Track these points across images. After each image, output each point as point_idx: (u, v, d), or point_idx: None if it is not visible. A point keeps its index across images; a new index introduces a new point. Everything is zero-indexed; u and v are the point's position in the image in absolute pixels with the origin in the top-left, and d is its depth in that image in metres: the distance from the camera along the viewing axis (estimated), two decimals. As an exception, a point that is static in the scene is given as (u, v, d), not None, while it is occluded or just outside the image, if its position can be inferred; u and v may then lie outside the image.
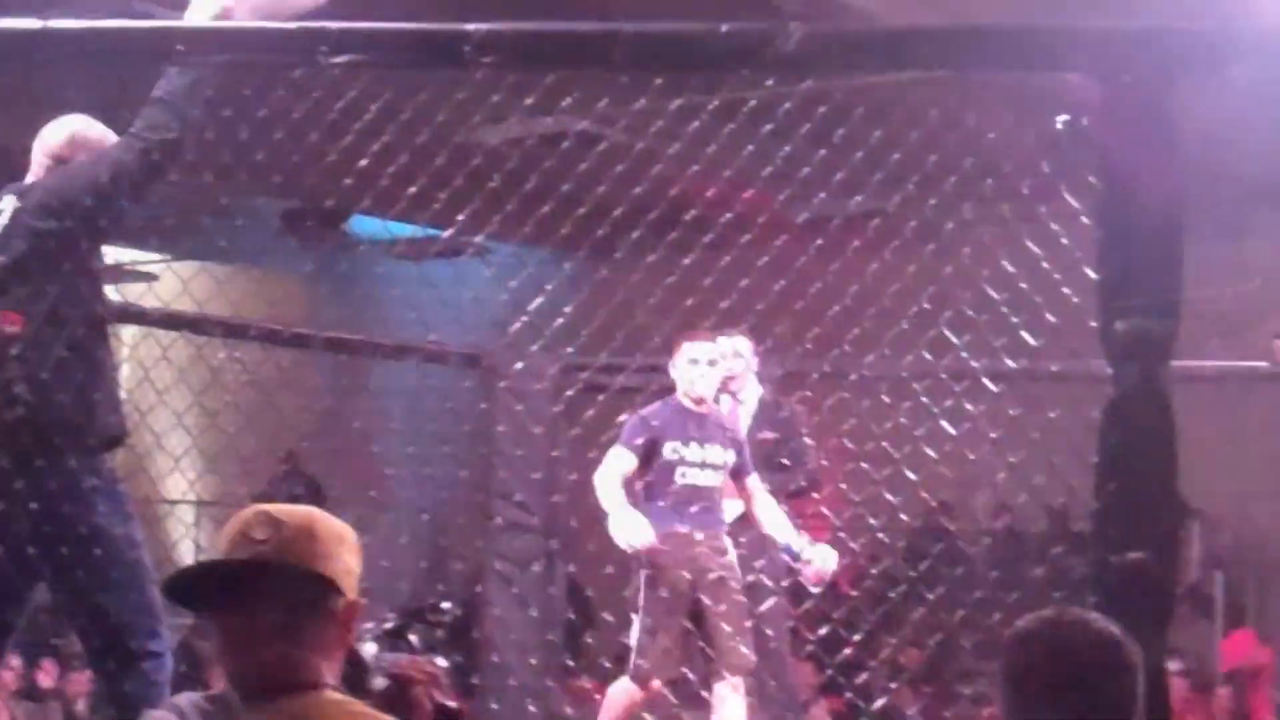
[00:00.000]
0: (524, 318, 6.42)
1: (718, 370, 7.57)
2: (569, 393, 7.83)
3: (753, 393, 8.26)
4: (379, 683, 3.02)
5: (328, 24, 4.58)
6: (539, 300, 6.43)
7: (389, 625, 3.07)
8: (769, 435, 8.18)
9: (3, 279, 5.50)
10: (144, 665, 5.46)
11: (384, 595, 9.54)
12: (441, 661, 3.28)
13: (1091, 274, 4.50)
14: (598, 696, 9.13)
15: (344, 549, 3.01)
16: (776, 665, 7.98)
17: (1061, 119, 9.90)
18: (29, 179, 5.65)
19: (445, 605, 3.21)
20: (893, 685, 8.54)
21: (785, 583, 7.85)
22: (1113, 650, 3.16)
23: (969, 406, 6.46)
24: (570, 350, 7.91)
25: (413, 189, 5.95)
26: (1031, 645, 3.17)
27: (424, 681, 2.95)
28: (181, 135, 5.35)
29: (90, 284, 5.52)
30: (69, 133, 5.66)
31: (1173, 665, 11.75)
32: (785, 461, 8.21)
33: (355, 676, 3.04)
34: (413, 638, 3.09)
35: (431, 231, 9.26)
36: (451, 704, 2.97)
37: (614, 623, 8.58)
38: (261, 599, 2.93)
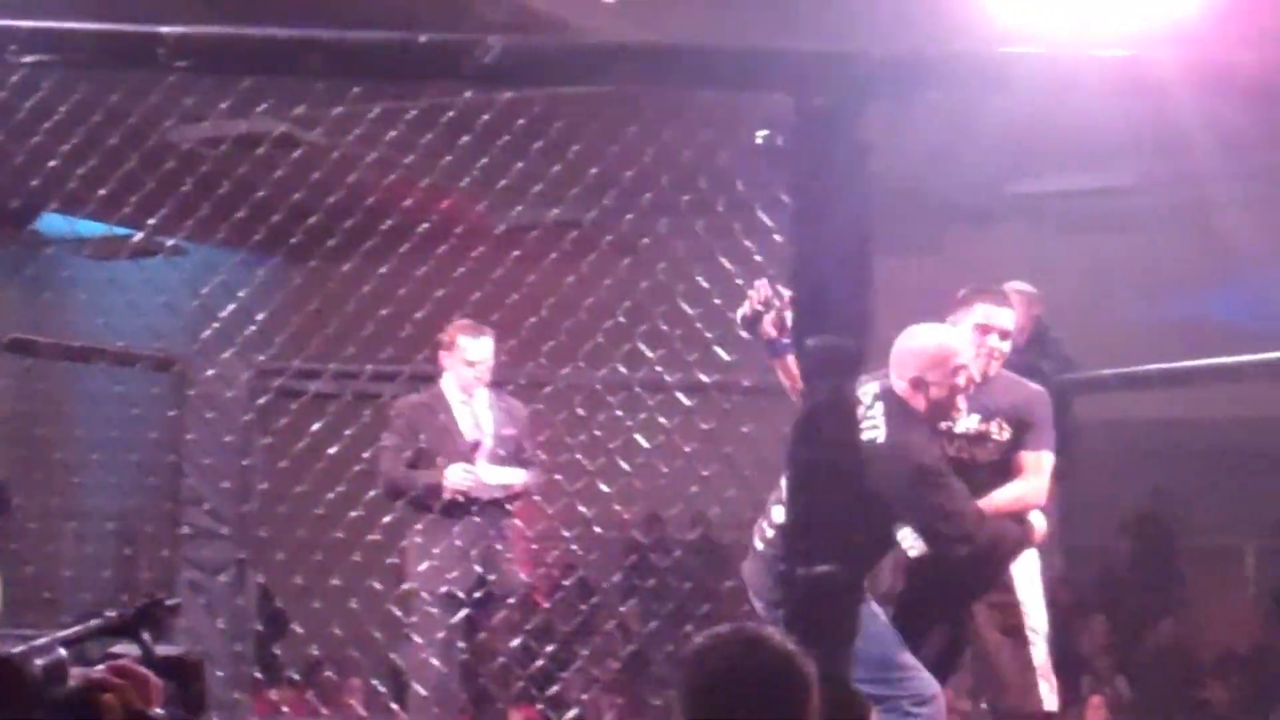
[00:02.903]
0: (216, 323, 6.30)
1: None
2: (261, 400, 7.71)
3: (482, 391, 8.17)
4: (59, 693, 2.82)
5: (17, 22, 4.46)
6: (232, 305, 6.32)
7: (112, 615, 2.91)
8: (513, 432, 8.11)
9: None
10: None
11: (69, 605, 9.29)
12: (170, 650, 3.07)
13: (784, 291, 4.56)
14: (285, 709, 9.00)
15: None
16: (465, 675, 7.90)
17: (761, 134, 10.02)
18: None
19: (171, 602, 3.04)
20: (584, 696, 8.55)
21: (477, 594, 7.82)
22: (786, 666, 3.21)
23: (663, 420, 6.51)
24: (264, 356, 7.80)
25: (104, 190, 5.82)
26: (707, 662, 3.21)
27: (118, 688, 2.78)
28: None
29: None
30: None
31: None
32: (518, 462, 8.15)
33: (20, 697, 2.88)
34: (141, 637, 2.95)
35: (124, 232, 9.09)
36: (155, 711, 2.79)
37: (304, 634, 8.48)
38: None
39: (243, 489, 8.02)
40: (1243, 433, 11.98)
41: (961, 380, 5.72)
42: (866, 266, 4.51)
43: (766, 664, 3.19)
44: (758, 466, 5.65)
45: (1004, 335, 6.13)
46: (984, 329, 6.09)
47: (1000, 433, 6.14)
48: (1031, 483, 6.10)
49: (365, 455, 7.69)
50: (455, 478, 7.74)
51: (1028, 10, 9.76)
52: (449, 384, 7.87)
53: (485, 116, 5.41)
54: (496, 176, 5.75)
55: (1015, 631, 6.38)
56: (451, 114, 5.47)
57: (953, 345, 5.80)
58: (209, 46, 4.44)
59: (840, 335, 4.46)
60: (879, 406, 5.81)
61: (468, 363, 7.79)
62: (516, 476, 7.79)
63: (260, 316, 6.65)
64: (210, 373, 7.76)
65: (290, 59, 4.59)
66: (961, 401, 5.75)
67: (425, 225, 5.97)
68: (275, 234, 6.07)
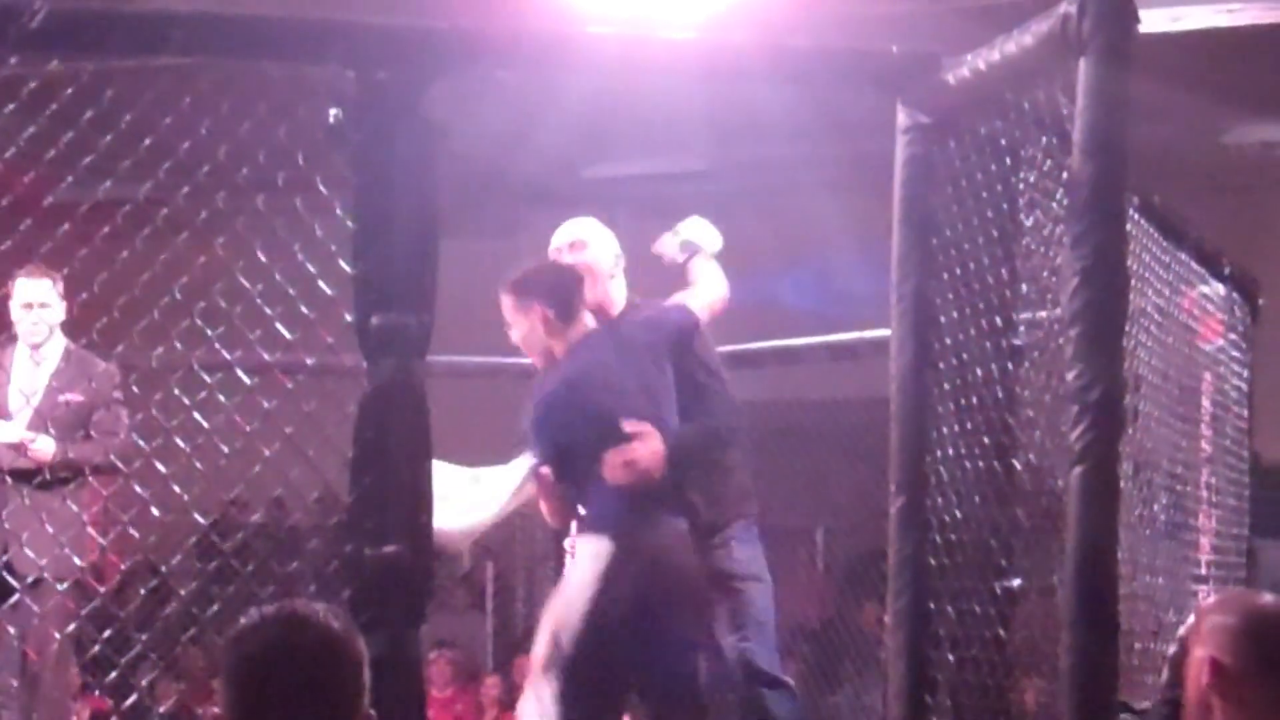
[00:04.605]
0: None
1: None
2: None
3: (56, 346, 7.86)
4: None
5: None
6: None
7: None
8: (77, 398, 7.82)
9: None
10: None
11: None
12: None
13: (348, 268, 4.51)
14: None
15: None
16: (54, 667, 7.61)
17: (334, 111, 9.89)
18: None
19: None
20: (144, 682, 8.34)
21: (67, 584, 7.55)
22: (332, 644, 3.14)
23: (223, 399, 6.38)
24: None
25: None
26: (250, 642, 3.13)
27: None
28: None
29: None
30: None
31: (435, 654, 12.00)
32: (92, 433, 7.85)
33: None
34: None
35: None
36: None
37: None
38: None
39: None
40: (808, 415, 12.25)
41: None
42: (432, 244, 4.48)
43: (310, 642, 3.11)
44: (322, 446, 5.58)
45: None
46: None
47: None
48: None
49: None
50: None
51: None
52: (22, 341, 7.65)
53: (32, 85, 5.21)
54: (43, 149, 5.53)
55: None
56: (-5, 82, 5.24)
57: None
58: None
59: (403, 313, 4.43)
60: None
61: (24, 305, 7.57)
62: (15, 434, 7.53)
63: None
64: None
65: None
66: None
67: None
68: None
